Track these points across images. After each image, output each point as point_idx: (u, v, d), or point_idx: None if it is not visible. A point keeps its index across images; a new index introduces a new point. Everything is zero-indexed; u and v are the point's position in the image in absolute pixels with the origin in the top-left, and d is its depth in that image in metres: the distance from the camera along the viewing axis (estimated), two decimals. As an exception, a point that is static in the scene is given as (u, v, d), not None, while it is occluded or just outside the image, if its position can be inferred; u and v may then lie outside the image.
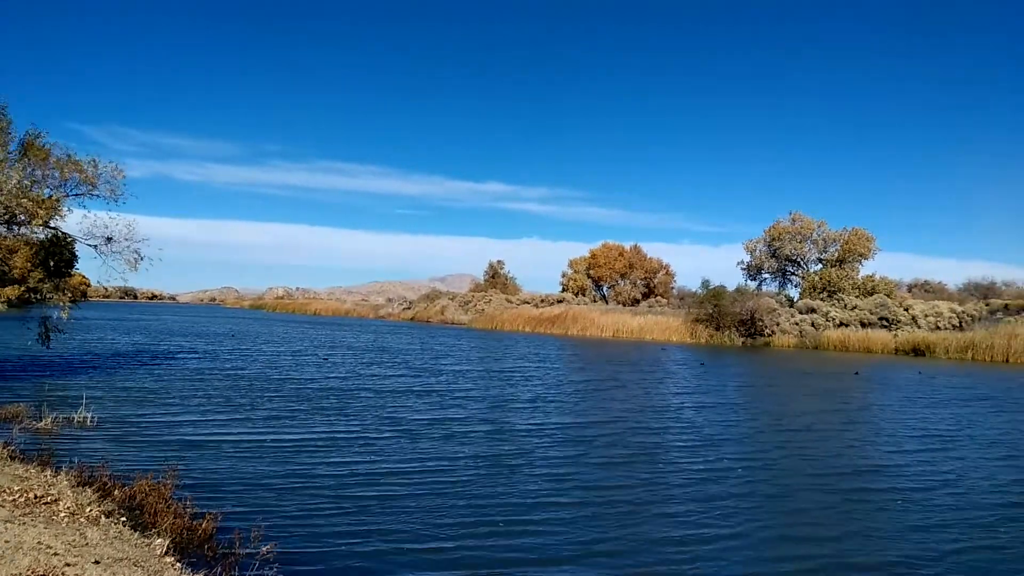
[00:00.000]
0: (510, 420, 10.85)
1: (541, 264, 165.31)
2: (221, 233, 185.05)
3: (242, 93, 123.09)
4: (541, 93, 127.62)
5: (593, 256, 64.70)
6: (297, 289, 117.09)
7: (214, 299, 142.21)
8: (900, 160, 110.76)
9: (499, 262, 74.17)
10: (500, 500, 6.46)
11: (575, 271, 65.71)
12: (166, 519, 5.09)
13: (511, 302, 61.59)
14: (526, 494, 6.67)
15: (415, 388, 14.28)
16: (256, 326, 41.96)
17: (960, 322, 38.18)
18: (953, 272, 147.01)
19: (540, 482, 7.17)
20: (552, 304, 57.77)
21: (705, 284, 44.17)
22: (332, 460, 7.73)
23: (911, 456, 9.31)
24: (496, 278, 72.94)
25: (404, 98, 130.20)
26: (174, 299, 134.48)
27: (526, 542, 5.42)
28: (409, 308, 73.53)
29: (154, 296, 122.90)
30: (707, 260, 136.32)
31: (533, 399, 13.31)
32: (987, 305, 40.01)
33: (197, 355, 19.49)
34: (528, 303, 60.27)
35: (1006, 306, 39.19)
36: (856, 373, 23.01)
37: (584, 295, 63.19)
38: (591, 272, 64.50)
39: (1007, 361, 30.73)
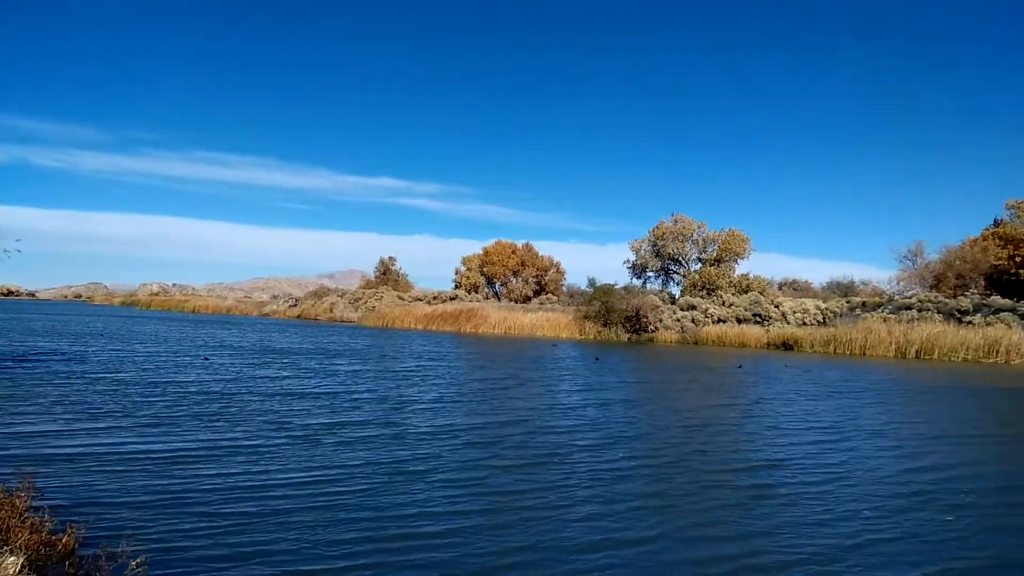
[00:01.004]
0: (411, 423, 10.31)
1: (434, 261, 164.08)
2: (88, 225, 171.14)
3: (110, 77, 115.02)
4: (432, 88, 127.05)
5: (486, 253, 64.98)
6: (173, 285, 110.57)
7: (80, 295, 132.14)
8: (773, 165, 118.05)
9: (391, 258, 73.12)
10: (400, 511, 5.99)
11: (468, 268, 65.77)
12: (21, 535, 4.57)
13: (403, 299, 60.86)
14: (428, 503, 6.25)
15: (307, 390, 13.48)
16: (129, 325, 39.23)
17: (824, 318, 41.13)
18: (818, 271, 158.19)
19: (443, 489, 6.73)
20: (445, 301, 57.57)
21: (592, 282, 45.42)
22: (213, 471, 7.02)
23: (807, 449, 9.44)
24: (387, 275, 71.85)
25: (290, 88, 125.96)
26: (33, 295, 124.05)
27: (428, 556, 5.02)
28: (295, 305, 71.10)
29: (10, 292, 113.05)
30: (595, 259, 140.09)
31: (434, 400, 12.83)
32: (847, 302, 43.31)
33: (61, 357, 17.72)
34: (421, 300, 59.75)
35: (863, 303, 42.59)
36: (739, 367, 23.97)
37: (477, 292, 63.36)
38: (484, 269, 64.74)
39: (863, 354, 33.42)
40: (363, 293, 65.12)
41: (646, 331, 41.89)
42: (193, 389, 12.89)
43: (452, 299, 58.69)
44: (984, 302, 38.41)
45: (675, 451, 9.05)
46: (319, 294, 72.12)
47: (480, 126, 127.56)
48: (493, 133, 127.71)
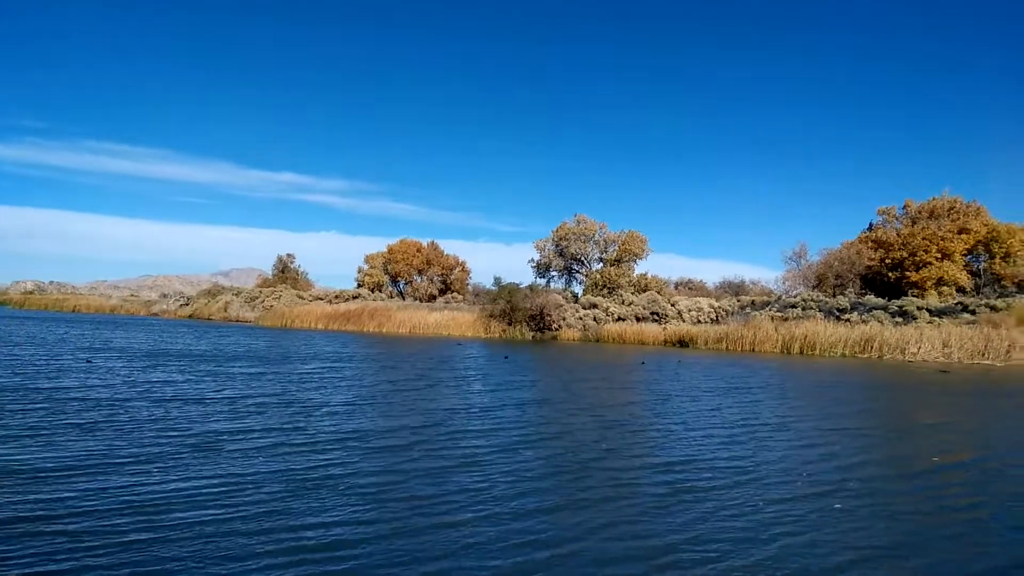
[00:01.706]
0: (318, 428, 9.72)
1: (337, 259, 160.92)
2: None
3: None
4: (339, 82, 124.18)
5: (391, 251, 64.06)
6: (51, 283, 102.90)
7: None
8: (669, 169, 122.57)
9: (289, 256, 70.90)
10: (309, 520, 5.58)
11: (372, 266, 64.65)
12: None
13: (303, 298, 59.11)
14: (340, 511, 5.86)
15: (204, 395, 12.56)
16: None
17: (717, 316, 43.05)
18: (712, 271, 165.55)
19: (356, 497, 6.31)
20: (347, 300, 56.34)
21: (498, 281, 45.68)
22: (99, 485, 6.29)
23: (724, 446, 9.47)
24: (286, 272, 69.64)
25: (188, 76, 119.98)
26: None
27: (341, 567, 4.71)
28: (187, 305, 67.69)
29: None
30: (502, 258, 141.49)
31: (342, 403, 12.25)
32: (738, 301, 45.49)
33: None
34: (322, 299, 58.22)
35: (753, 302, 44.85)
36: (642, 363, 24.65)
37: (381, 291, 62.40)
38: (388, 268, 63.82)
39: (753, 350, 35.14)
40: (260, 292, 62.80)
41: (550, 329, 42.52)
42: (75, 395, 11.74)
43: (355, 298, 57.51)
44: (860, 301, 41.26)
45: (592, 450, 8.91)
46: (213, 293, 69.01)
47: (387, 122, 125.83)
48: (399, 129, 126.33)
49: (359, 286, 63.64)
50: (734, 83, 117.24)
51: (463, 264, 66.70)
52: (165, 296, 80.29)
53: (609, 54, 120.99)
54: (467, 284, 65.32)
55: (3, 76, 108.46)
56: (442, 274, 64.90)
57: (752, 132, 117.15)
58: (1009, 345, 30.62)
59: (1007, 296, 39.91)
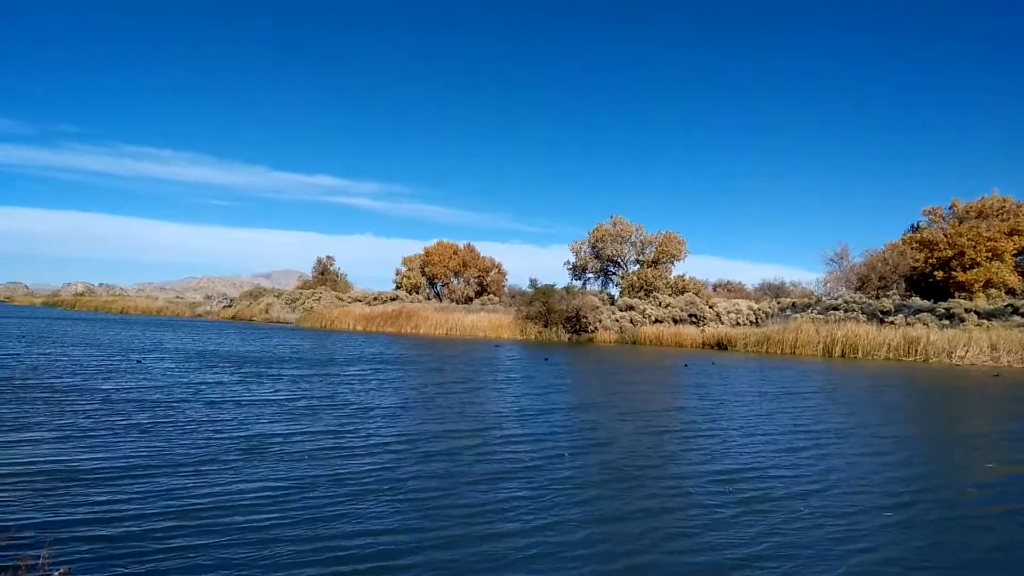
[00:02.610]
0: (368, 431, 9.55)
1: (374, 261, 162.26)
2: (7, 221, 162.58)
3: (32, 68, 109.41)
4: (372, 85, 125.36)
5: (427, 254, 64.31)
6: (100, 285, 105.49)
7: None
8: (706, 169, 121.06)
9: (329, 258, 71.65)
10: (355, 530, 5.37)
11: (409, 268, 64.97)
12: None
13: (342, 300, 59.65)
14: (387, 520, 5.64)
15: (253, 397, 12.52)
16: (53, 326, 37.08)
17: (756, 318, 42.28)
18: (751, 273, 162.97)
19: (404, 505, 6.10)
20: (386, 302, 56.68)
21: (533, 283, 45.49)
22: (146, 489, 6.18)
23: (782, 453, 9.13)
24: (326, 275, 70.36)
25: (224, 82, 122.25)
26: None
27: None
28: (230, 306, 68.80)
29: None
30: (537, 260, 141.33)
31: (391, 406, 12.06)
32: (778, 303, 44.61)
33: (-23, 361, 16.69)
34: (360, 301, 58.68)
35: (793, 304, 43.94)
36: (685, 365, 24.28)
37: (418, 293, 62.66)
38: (425, 270, 64.05)
39: (794, 353, 34.42)
40: (301, 294, 63.55)
41: (586, 331, 42.18)
42: (130, 396, 11.83)
43: (392, 300, 57.83)
44: (904, 303, 40.12)
45: (647, 457, 8.62)
46: (255, 294, 70.03)
47: (420, 125, 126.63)
48: (433, 132, 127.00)
49: (397, 288, 63.99)
50: (774, 81, 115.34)
51: (499, 266, 66.66)
52: (209, 298, 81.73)
53: (643, 53, 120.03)
54: (503, 286, 65.23)
55: (44, 82, 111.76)
56: (478, 276, 64.93)
57: (792, 131, 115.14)
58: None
59: (1060, 298, 38.40)
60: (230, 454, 7.85)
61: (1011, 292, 43.10)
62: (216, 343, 27.54)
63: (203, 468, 7.16)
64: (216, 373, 16.30)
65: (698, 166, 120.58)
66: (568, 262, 54.56)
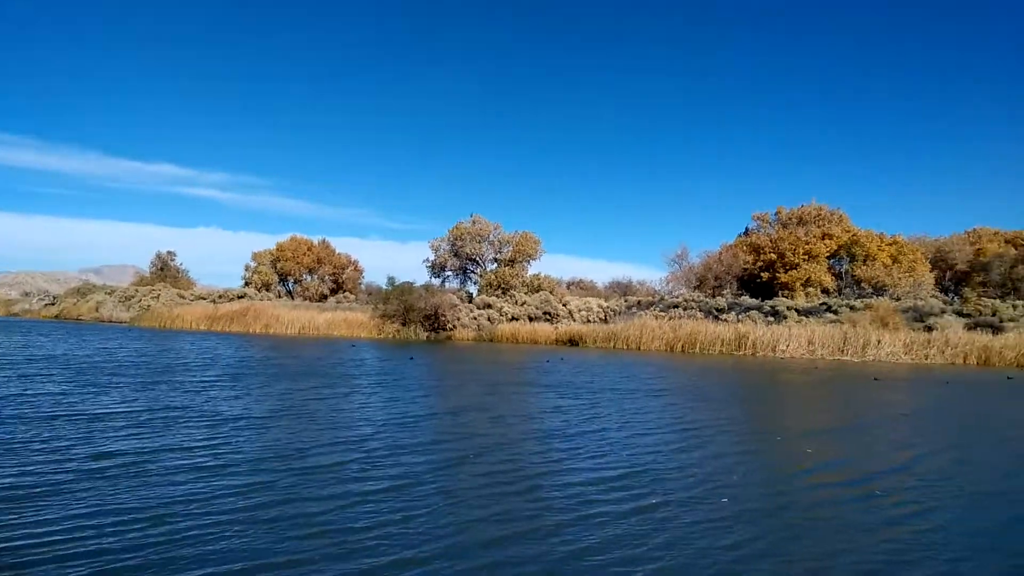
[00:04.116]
0: (234, 446, 8.64)
1: (221, 257, 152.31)
2: None
3: None
4: (220, 68, 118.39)
5: (280, 249, 61.65)
6: None
7: None
8: (561, 170, 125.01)
9: (169, 253, 66.88)
10: (228, 564, 4.71)
11: (259, 265, 61.96)
12: None
13: (184, 297, 55.96)
14: (270, 555, 4.99)
15: (98, 410, 10.97)
16: None
17: (605, 316, 44.23)
18: (603, 272, 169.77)
19: (284, 529, 5.48)
20: (232, 300, 53.77)
21: (391, 281, 44.90)
22: None
23: (678, 452, 9.30)
24: (166, 271, 65.68)
25: (53, 57, 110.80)
26: None
27: None
28: (53, 304, 62.51)
29: None
30: (396, 257, 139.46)
31: (258, 416, 11.08)
32: (625, 301, 46.96)
33: None
34: (205, 299, 55.28)
35: (639, 302, 46.35)
36: (547, 361, 25.03)
37: (269, 290, 59.99)
38: (277, 266, 61.41)
39: (639, 349, 36.44)
40: (136, 291, 58.84)
41: (444, 329, 42.22)
42: None
43: (240, 297, 54.98)
44: (736, 301, 43.50)
45: (537, 462, 8.49)
46: (83, 291, 63.97)
47: (274, 112, 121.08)
48: (288, 120, 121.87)
49: (246, 285, 60.86)
50: (621, 87, 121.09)
51: (355, 263, 65.23)
52: (28, 295, 73.77)
53: (498, 53, 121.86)
54: (359, 284, 63.92)
55: None
56: (334, 273, 63.15)
57: (638, 135, 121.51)
58: (865, 342, 33.20)
59: (865, 297, 43.27)
60: (74, 478, 6.76)
61: (826, 291, 47.97)
62: (45, 346, 24.56)
63: (42, 496, 6.10)
64: (48, 382, 14.31)
65: (554, 166, 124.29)
66: (428, 260, 54.45)
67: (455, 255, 53.40)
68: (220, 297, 55.40)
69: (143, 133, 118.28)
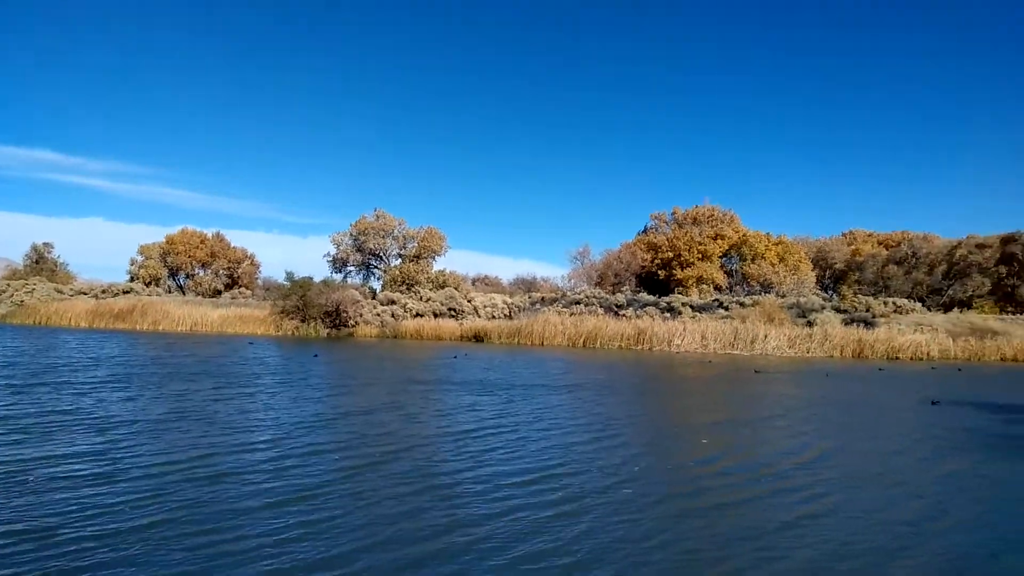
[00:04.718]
0: (134, 452, 8.15)
1: (105, 250, 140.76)
2: None
3: None
4: (111, 53, 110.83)
5: (170, 242, 58.44)
6: None
7: None
8: (466, 166, 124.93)
9: (46, 244, 62.12)
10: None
11: (147, 258, 58.52)
12: None
13: (62, 292, 52.20)
14: (176, 571, 4.81)
15: None
16: None
17: (510, 312, 44.69)
18: (508, 268, 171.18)
19: (196, 549, 5.26)
20: (117, 295, 50.60)
21: (290, 276, 43.51)
22: None
23: (595, 449, 9.50)
24: (42, 263, 61.06)
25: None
26: None
27: None
28: (-93, 299, 56.82)
29: None
30: (296, 251, 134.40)
31: (157, 418, 10.49)
32: (529, 297, 47.60)
33: None
34: (86, 294, 51.77)
35: (542, 298, 47.09)
36: (454, 357, 25.09)
37: (158, 285, 56.83)
38: (167, 260, 58.25)
39: (542, 344, 37.07)
40: (8, 285, 54.33)
41: (346, 326, 41.37)
42: None
43: (126, 292, 51.85)
44: (635, 298, 44.96)
45: (456, 461, 8.47)
46: (-57, 285, 58.54)
47: (164, 96, 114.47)
48: (181, 105, 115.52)
49: (132, 280, 57.40)
50: (526, 84, 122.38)
51: (252, 257, 62.80)
52: None
53: (401, 44, 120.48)
54: (256, 279, 61.60)
55: None
56: (228, 267, 60.57)
57: (542, 133, 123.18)
58: (753, 336, 35.14)
59: (754, 294, 45.77)
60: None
61: (718, 288, 50.36)
62: None
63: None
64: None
65: (459, 162, 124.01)
66: (329, 255, 53.16)
67: (358, 250, 52.43)
68: (104, 292, 51.94)
69: (19, 117, 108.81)
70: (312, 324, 40.67)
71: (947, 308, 47.44)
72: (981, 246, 51.70)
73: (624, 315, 40.73)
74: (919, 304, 44.21)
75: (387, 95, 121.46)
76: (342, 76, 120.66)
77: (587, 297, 44.92)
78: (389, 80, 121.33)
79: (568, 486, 7.39)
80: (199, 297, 53.27)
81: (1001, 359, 33.78)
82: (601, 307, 42.75)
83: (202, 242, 59.22)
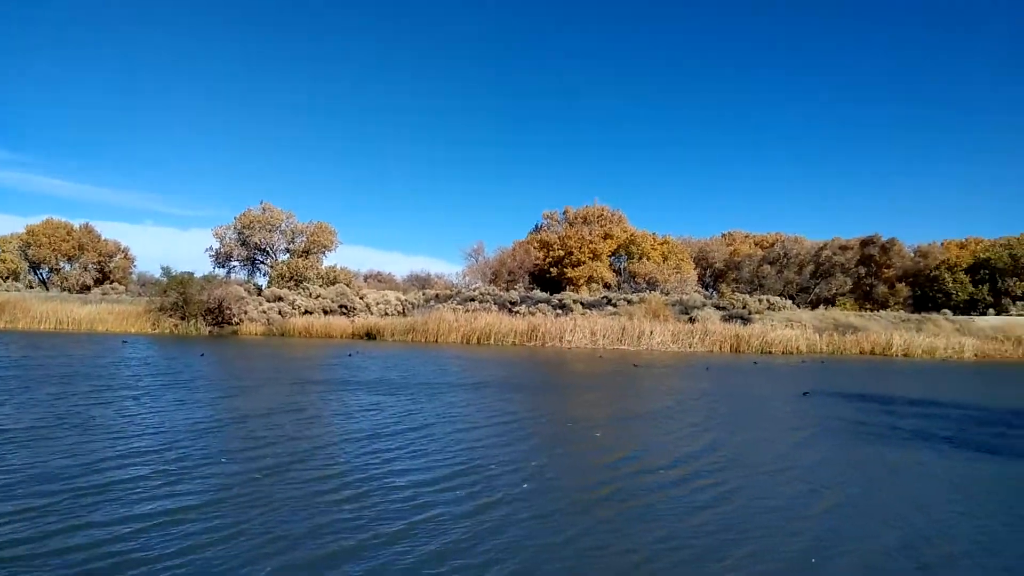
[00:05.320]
0: (3, 464, 7.48)
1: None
2: None
3: None
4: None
5: (32, 234, 53.80)
6: None
7: None
8: (358, 161, 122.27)
9: None
10: None
11: (4, 251, 53.81)
12: None
13: (-100, 287, 47.02)
14: None
15: None
16: None
17: (404, 309, 44.20)
18: (402, 264, 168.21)
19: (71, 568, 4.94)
20: (-33, 290, 46.17)
21: (167, 271, 41.22)
22: None
23: (497, 446, 9.48)
24: None
25: None
26: None
27: None
28: None
29: None
30: (175, 245, 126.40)
31: (29, 427, 9.59)
32: (424, 294, 47.27)
33: None
34: (-71, 289, 46.93)
35: (437, 295, 46.89)
36: (349, 355, 24.63)
37: (17, 280, 52.23)
38: (28, 253, 53.68)
39: (437, 341, 36.92)
40: None
41: (230, 323, 39.55)
42: None
43: (-22, 288, 47.36)
44: (528, 295, 45.58)
45: (370, 466, 8.24)
46: None
47: (24, 73, 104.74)
48: (47, 86, 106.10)
49: (-15, 274, 52.53)
50: (423, 80, 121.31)
51: (125, 251, 58.87)
52: None
53: (297, 31, 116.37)
54: (131, 273, 57.88)
55: None
56: (99, 261, 56.50)
57: (434, 127, 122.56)
58: (640, 332, 36.44)
59: (640, 291, 47.45)
60: None
61: (607, 286, 51.84)
62: None
63: None
64: None
65: (351, 157, 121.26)
66: (211, 249, 50.63)
67: (243, 244, 50.22)
68: (-50, 287, 47.24)
69: None
70: (193, 322, 38.61)
71: (814, 305, 51.03)
72: (844, 248, 55.98)
73: (518, 312, 41.19)
74: (789, 301, 47.30)
75: (276, 82, 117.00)
76: (226, 60, 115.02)
77: (481, 294, 45.10)
78: (276, 67, 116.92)
79: (478, 485, 7.45)
80: (65, 292, 49.38)
81: (860, 352, 36.72)
82: (495, 304, 43.04)
83: (68, 234, 54.91)
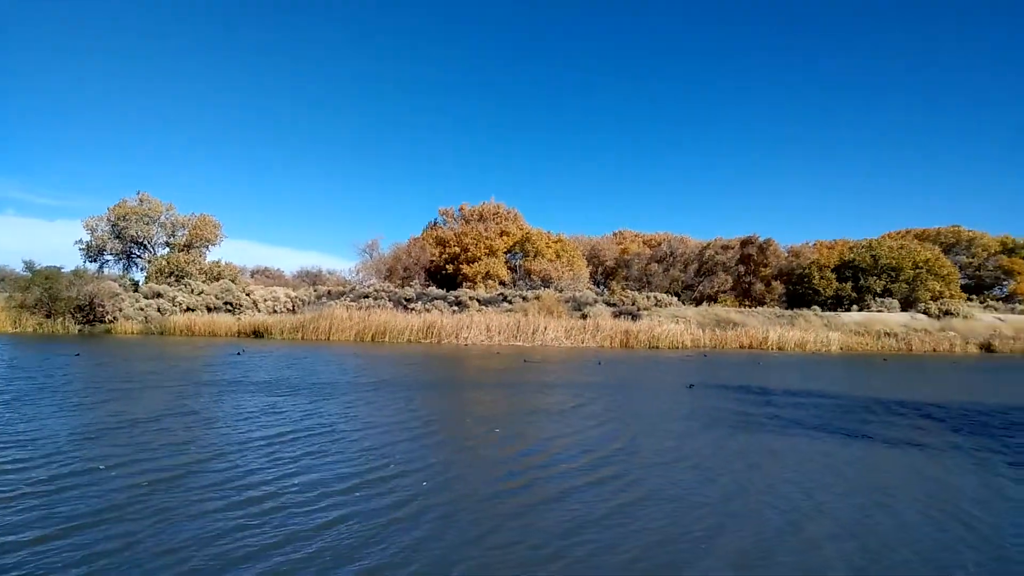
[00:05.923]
0: None
1: None
2: None
3: None
4: None
5: None
6: None
7: None
8: (244, 152, 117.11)
9: None
10: None
11: None
12: None
13: None
14: None
15: None
16: None
17: (294, 306, 42.78)
18: (291, 260, 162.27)
19: None
20: None
21: (29, 265, 38.04)
22: None
23: (425, 445, 9.40)
24: None
25: None
26: None
27: None
28: None
29: None
30: (38, 237, 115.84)
31: None
32: (315, 291, 45.94)
33: None
34: None
35: (329, 292, 45.69)
36: (238, 354, 23.63)
37: None
38: None
39: (329, 339, 35.99)
40: None
41: (103, 322, 36.97)
42: None
43: None
44: (424, 292, 45.27)
45: (277, 468, 7.96)
46: None
47: None
48: None
49: None
50: (313, 74, 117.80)
51: (-21, 243, 53.82)
52: None
53: (184, 15, 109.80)
54: (-13, 267, 52.92)
55: None
56: (-53, 254, 51.32)
57: (328, 120, 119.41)
58: (534, 328, 37.00)
59: (535, 288, 48.15)
60: None
61: (503, 283, 52.26)
62: None
63: None
64: None
65: (237, 147, 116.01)
66: (81, 241, 47.04)
67: (117, 237, 46.98)
68: None
69: None
70: (60, 320, 35.80)
71: (698, 302, 53.55)
72: (725, 247, 59.07)
73: (413, 309, 40.82)
74: (675, 298, 49.44)
75: (157, 65, 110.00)
76: (99, 36, 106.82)
77: (376, 291, 44.37)
78: (159, 49, 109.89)
79: (381, 485, 7.44)
80: (-95, 289, 44.48)
81: (740, 346, 38.91)
82: (390, 301, 42.46)
83: (-90, 223, 49.50)
